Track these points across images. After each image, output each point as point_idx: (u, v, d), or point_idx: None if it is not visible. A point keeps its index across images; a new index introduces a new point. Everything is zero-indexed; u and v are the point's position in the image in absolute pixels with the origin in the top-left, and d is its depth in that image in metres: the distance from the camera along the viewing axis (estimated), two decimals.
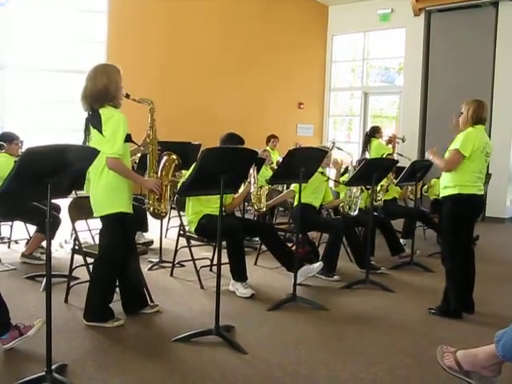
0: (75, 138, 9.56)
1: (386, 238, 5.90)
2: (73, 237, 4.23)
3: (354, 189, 5.39)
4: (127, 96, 3.53)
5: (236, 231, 4.30)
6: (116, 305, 3.71)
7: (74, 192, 4.05)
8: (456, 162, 4.01)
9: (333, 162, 5.48)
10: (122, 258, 3.55)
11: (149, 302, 3.85)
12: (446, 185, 4.11)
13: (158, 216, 3.76)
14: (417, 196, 6.17)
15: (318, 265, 4.65)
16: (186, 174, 4.49)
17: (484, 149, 4.04)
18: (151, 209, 3.67)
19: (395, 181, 5.94)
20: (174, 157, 3.80)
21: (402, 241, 6.42)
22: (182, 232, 4.74)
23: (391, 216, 6.40)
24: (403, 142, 9.41)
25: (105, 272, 3.56)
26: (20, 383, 2.57)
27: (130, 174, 3.55)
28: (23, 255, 5.13)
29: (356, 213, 5.39)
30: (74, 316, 3.69)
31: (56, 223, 4.83)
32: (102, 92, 3.37)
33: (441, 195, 4.23)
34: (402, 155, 7.46)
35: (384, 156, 7.02)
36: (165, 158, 3.78)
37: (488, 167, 4.27)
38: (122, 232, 3.50)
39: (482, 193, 4.12)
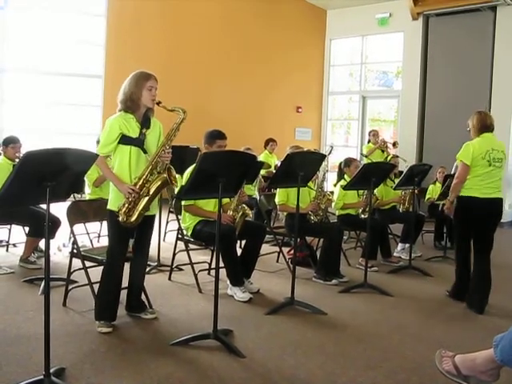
0: (74, 140, 9.62)
1: (380, 241, 5.90)
2: (71, 240, 4.22)
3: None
4: (158, 103, 3.43)
5: (228, 236, 4.22)
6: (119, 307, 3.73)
7: (72, 195, 4.05)
8: (463, 172, 4.27)
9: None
10: (116, 260, 3.51)
11: (147, 308, 3.83)
12: None
13: (126, 225, 3.39)
14: (415, 201, 6.17)
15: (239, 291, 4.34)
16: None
17: (486, 155, 4.23)
18: (119, 218, 3.34)
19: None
20: (166, 177, 3.38)
21: (400, 245, 6.43)
22: (180, 236, 4.74)
23: (390, 221, 6.41)
24: (394, 147, 9.46)
25: (102, 271, 3.56)
26: None
27: (108, 174, 3.46)
28: (20, 259, 5.12)
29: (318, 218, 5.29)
30: (72, 320, 3.68)
31: (54, 225, 4.79)
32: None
33: None
34: (397, 156, 7.47)
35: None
36: (162, 178, 3.38)
37: None
38: (118, 231, 3.44)
39: (491, 196, 4.26)
